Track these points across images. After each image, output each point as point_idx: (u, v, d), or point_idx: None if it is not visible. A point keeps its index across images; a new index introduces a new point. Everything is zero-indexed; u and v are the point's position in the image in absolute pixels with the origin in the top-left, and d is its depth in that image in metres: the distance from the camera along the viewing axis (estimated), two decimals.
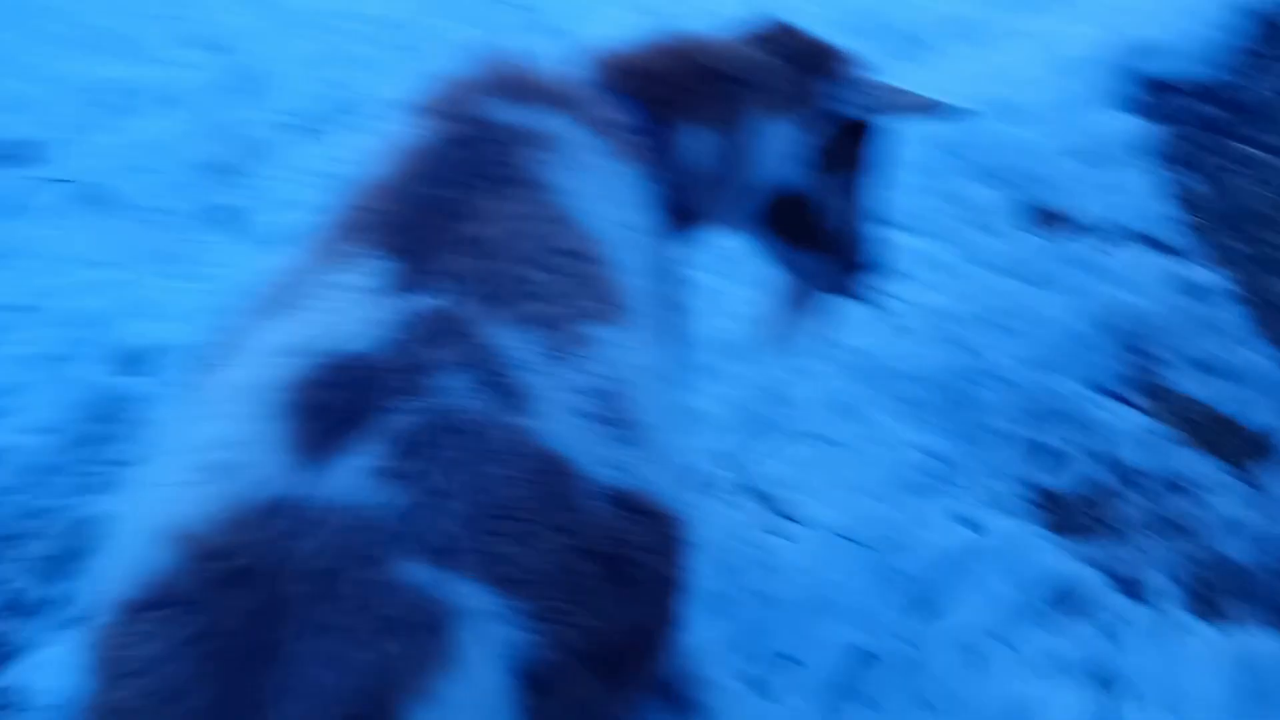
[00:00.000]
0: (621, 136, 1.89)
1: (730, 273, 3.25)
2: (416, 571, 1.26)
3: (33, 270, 3.28)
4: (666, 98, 2.03)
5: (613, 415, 1.48)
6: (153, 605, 1.22)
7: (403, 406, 1.34)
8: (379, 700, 1.21)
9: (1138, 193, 3.49)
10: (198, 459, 1.31)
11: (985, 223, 3.41)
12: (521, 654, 1.31)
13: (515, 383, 1.42)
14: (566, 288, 1.56)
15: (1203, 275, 3.28)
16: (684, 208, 2.10)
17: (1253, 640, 2.52)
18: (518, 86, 1.82)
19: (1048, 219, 3.46)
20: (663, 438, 1.57)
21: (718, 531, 2.61)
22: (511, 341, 1.46)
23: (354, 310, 1.43)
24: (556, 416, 1.43)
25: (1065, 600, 2.60)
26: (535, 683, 1.32)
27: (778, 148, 2.11)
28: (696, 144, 2.07)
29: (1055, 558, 2.64)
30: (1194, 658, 2.49)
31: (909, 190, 3.41)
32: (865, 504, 2.69)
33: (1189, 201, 3.50)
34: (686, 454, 1.69)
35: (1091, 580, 2.62)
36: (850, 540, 2.62)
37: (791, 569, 2.57)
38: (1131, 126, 3.67)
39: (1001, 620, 2.55)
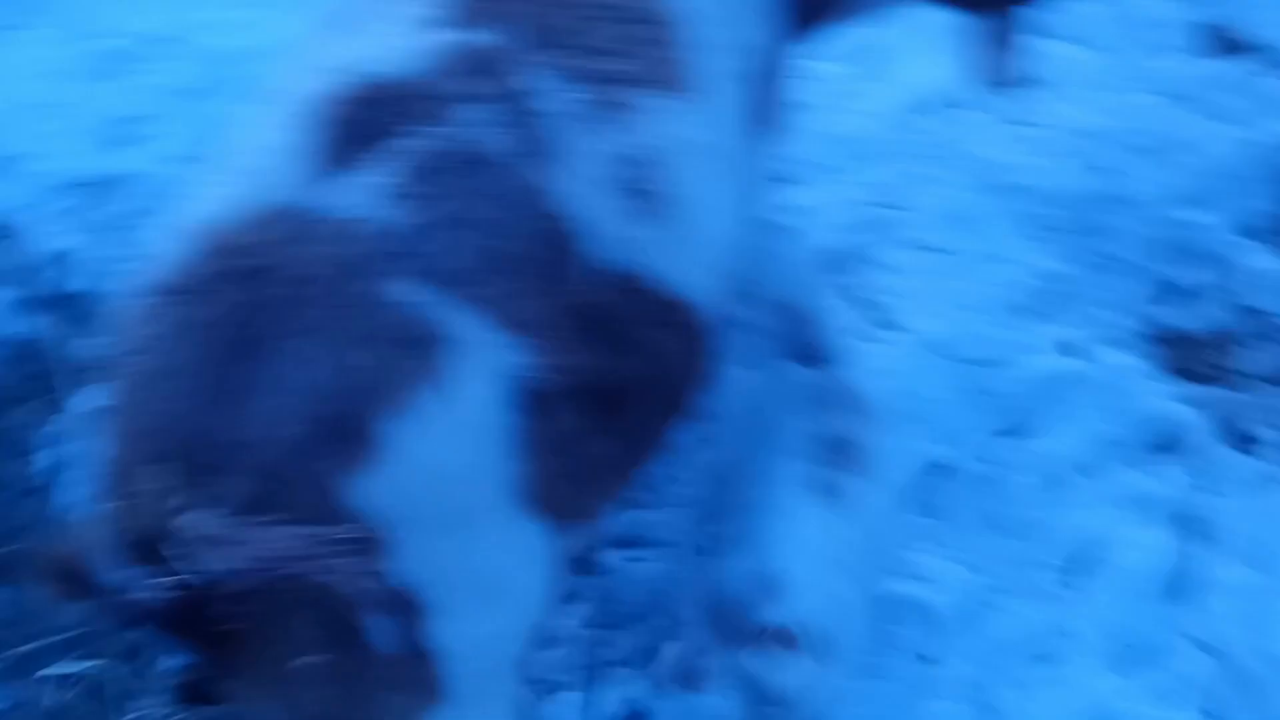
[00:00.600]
0: None
1: (864, 68, 3.13)
2: (408, 290, 1.32)
3: (180, 4, 3.36)
4: None
5: (633, 187, 1.51)
6: (164, 290, 1.31)
7: (424, 132, 1.39)
8: (353, 405, 1.28)
9: None
10: (230, 161, 1.41)
11: (1154, 39, 3.18)
12: (507, 380, 1.37)
13: (544, 132, 1.45)
14: (624, 48, 1.56)
15: None
16: None
17: None
18: None
19: (1227, 45, 3.20)
20: (702, 221, 1.59)
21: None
22: (549, 90, 1.48)
23: (396, 37, 1.47)
24: (572, 180, 1.46)
25: (1163, 442, 2.53)
26: (523, 406, 1.39)
27: None
28: None
29: (1162, 398, 2.56)
30: None
31: None
32: (968, 319, 2.64)
33: None
34: (734, 241, 1.68)
35: (1197, 425, 2.53)
36: (937, 350, 2.58)
37: (879, 372, 2.55)
38: None
39: (1091, 453, 2.51)
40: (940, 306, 2.65)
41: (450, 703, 1.52)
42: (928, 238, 2.81)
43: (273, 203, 1.36)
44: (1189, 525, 2.42)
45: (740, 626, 2.02)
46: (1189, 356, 2.68)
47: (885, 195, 2.89)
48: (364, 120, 1.41)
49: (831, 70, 3.09)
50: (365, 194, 1.36)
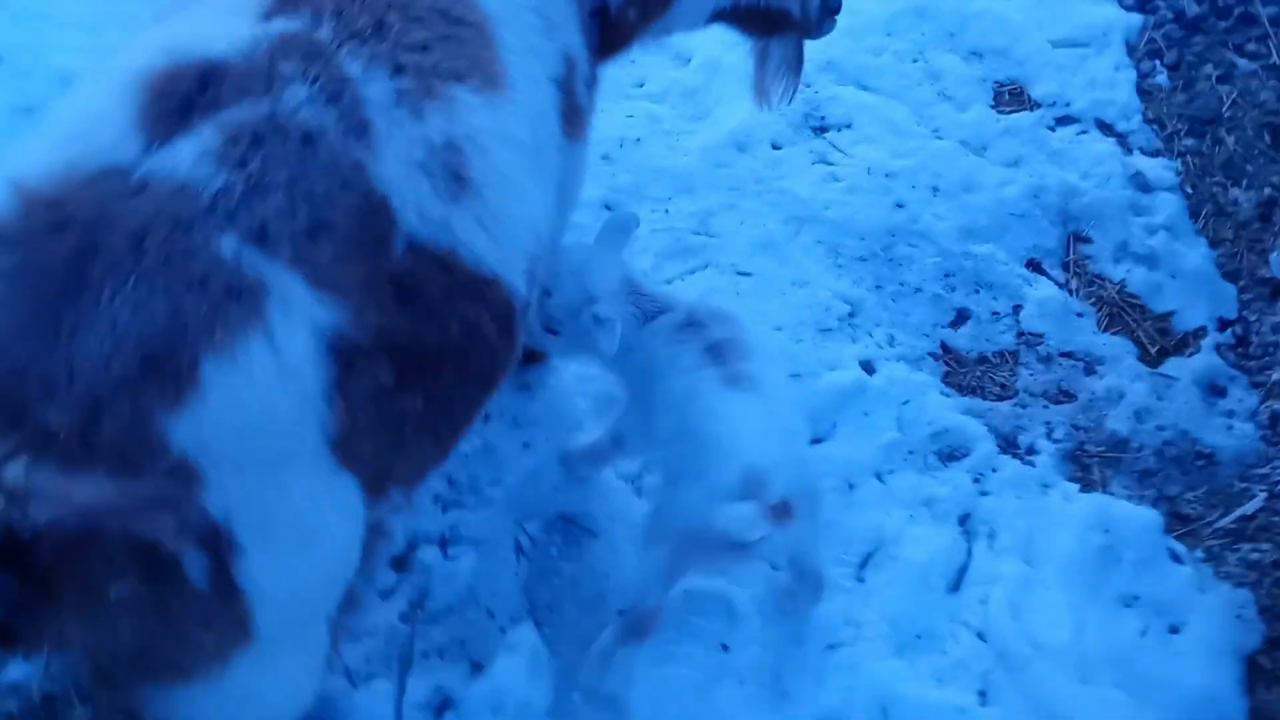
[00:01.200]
0: None
1: (689, 109, 3.33)
2: (234, 246, 1.42)
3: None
4: None
5: (449, 170, 1.62)
6: None
7: (245, 103, 1.49)
8: (175, 347, 1.37)
9: (1103, 81, 3.52)
10: (57, 124, 1.49)
11: (945, 90, 3.46)
12: (326, 335, 1.48)
13: (363, 116, 1.56)
14: (443, 45, 1.68)
15: (1149, 167, 3.33)
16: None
17: (1111, 505, 2.67)
18: None
19: (1011, 96, 3.51)
20: (511, 206, 1.71)
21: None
22: (369, 77, 1.60)
23: (225, 25, 1.58)
24: (390, 159, 1.57)
25: (950, 451, 2.75)
26: (339, 360, 1.50)
27: None
28: None
29: (941, 407, 2.79)
30: (1053, 513, 2.65)
31: (875, 49, 3.48)
32: (772, 336, 2.82)
33: (1151, 95, 3.54)
34: (541, 228, 1.82)
35: (972, 431, 2.76)
36: None
37: None
38: (1111, 16, 3.68)
39: (885, 460, 2.70)
40: (754, 327, 2.81)
41: (260, 645, 1.58)
42: (742, 263, 2.99)
43: (95, 162, 1.44)
44: (971, 525, 2.63)
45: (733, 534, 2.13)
46: (976, 375, 2.91)
47: (704, 224, 3.06)
48: (190, 92, 1.50)
49: (659, 110, 3.29)
50: (195, 159, 1.45)
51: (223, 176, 1.45)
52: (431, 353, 1.65)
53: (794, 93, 2.55)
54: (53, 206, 1.40)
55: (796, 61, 2.50)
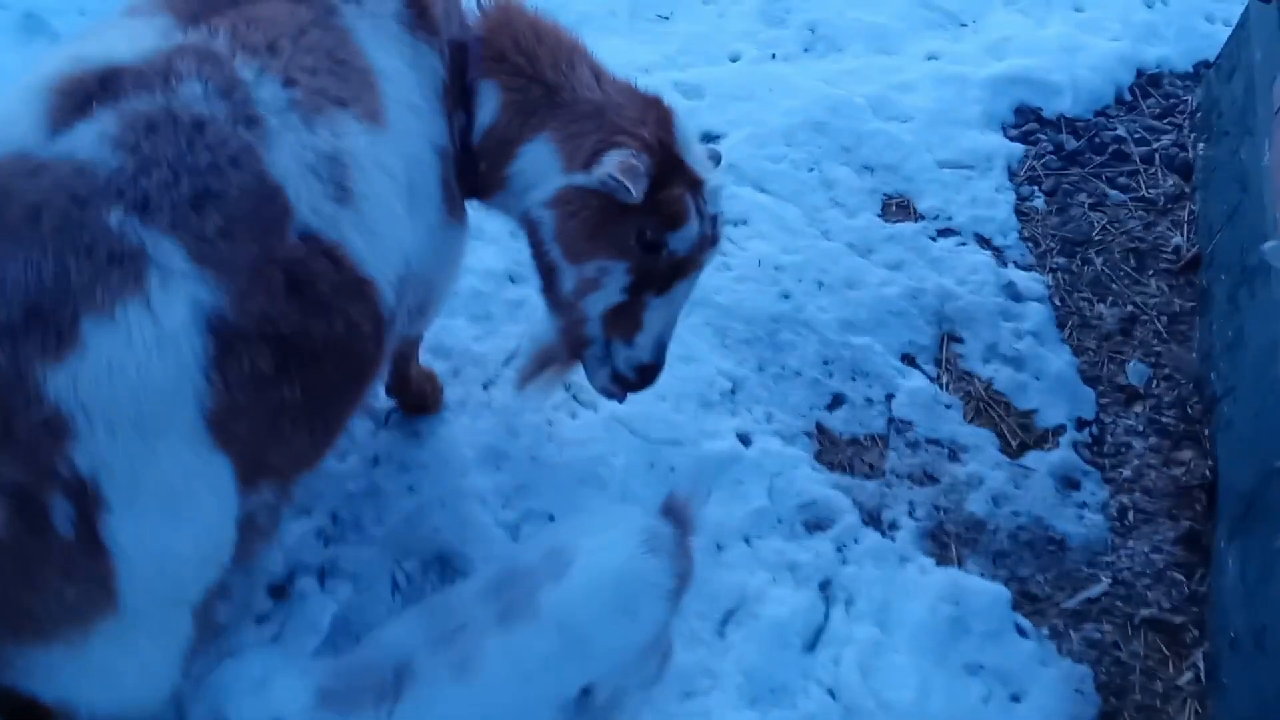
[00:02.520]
0: (432, 30, 2.13)
1: None
2: (123, 219, 1.57)
3: None
4: (504, 60, 2.18)
5: (335, 179, 1.79)
6: None
7: (143, 96, 1.67)
8: (58, 304, 1.51)
9: (984, 200, 3.79)
10: None
11: (836, 198, 3.71)
12: (206, 312, 1.61)
13: (254, 112, 1.74)
14: (330, 76, 1.87)
15: (1022, 279, 3.59)
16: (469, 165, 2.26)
17: (964, 579, 2.83)
18: None
19: (896, 207, 3.77)
20: (383, 223, 1.87)
21: (510, 397, 2.90)
22: (261, 82, 1.77)
23: (130, 39, 1.77)
24: (283, 153, 1.74)
25: (817, 521, 2.90)
26: (219, 339, 1.63)
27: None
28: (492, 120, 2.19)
29: (811, 481, 2.95)
30: (908, 583, 2.80)
31: (774, 157, 3.74)
32: (656, 405, 2.98)
33: (1028, 216, 3.82)
34: (411, 258, 1.99)
35: (838, 504, 2.92)
36: (630, 429, 2.91)
37: (569, 441, 2.86)
38: (995, 144, 3.98)
39: (753, 525, 2.85)
40: (638, 396, 2.97)
41: (122, 616, 1.67)
42: None
43: (12, 151, 1.60)
44: (831, 591, 2.77)
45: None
46: (847, 455, 3.08)
47: None
48: (92, 87, 1.66)
49: None
50: (93, 143, 1.61)
51: (118, 158, 1.61)
52: (313, 346, 1.78)
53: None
54: None
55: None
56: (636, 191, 2.09)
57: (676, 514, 2.27)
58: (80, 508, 1.56)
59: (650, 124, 2.20)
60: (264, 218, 1.70)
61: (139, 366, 1.56)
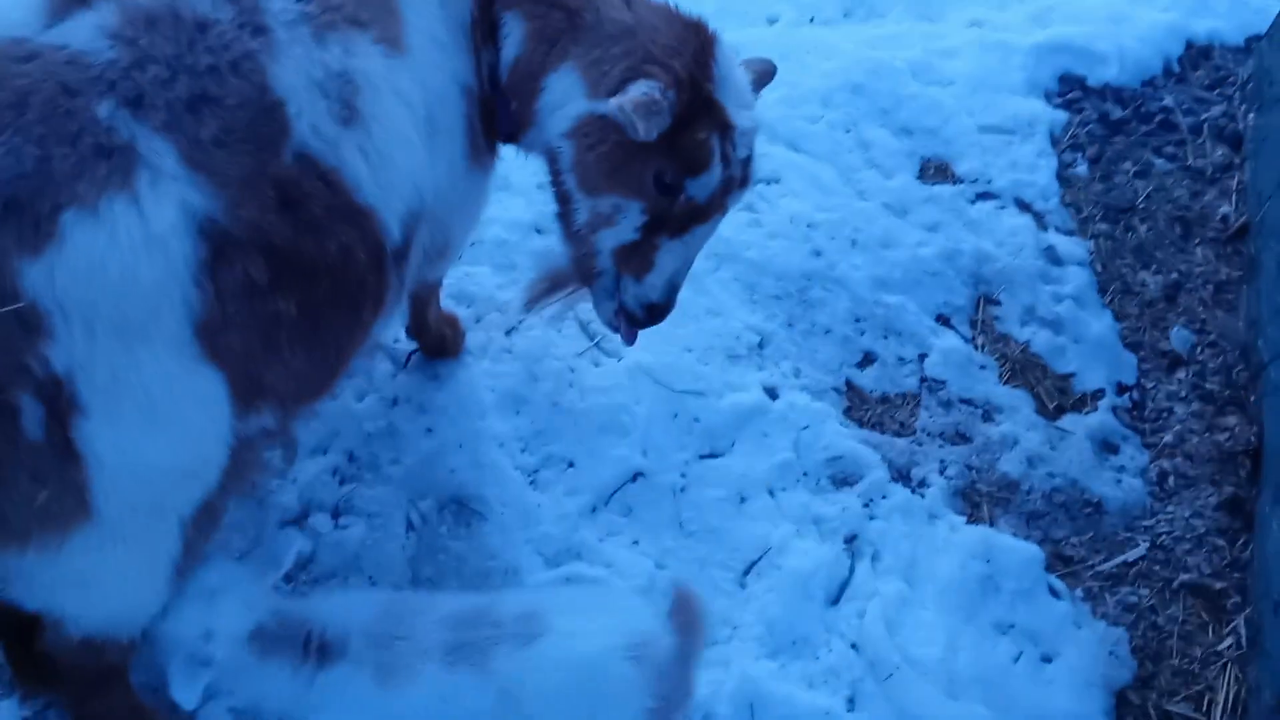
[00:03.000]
0: None
1: None
2: (114, 112, 1.52)
3: None
4: None
5: (343, 97, 1.73)
6: None
7: None
8: (38, 194, 1.46)
9: (1025, 165, 3.69)
10: None
11: (873, 159, 3.63)
12: (197, 217, 1.55)
13: (262, 20, 1.68)
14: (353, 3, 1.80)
15: (1063, 243, 3.49)
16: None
17: (995, 538, 2.74)
18: None
19: (934, 169, 3.67)
20: (393, 151, 1.81)
21: (532, 344, 2.85)
22: None
23: None
24: (288, 66, 1.67)
25: (844, 477, 2.83)
26: (211, 244, 1.57)
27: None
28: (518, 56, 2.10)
29: (839, 436, 2.87)
30: (937, 540, 2.73)
31: (810, 117, 3.66)
32: (681, 356, 2.92)
33: (1070, 182, 3.71)
34: (423, 188, 1.93)
35: (867, 460, 2.84)
36: (654, 379, 2.84)
37: (591, 388, 2.81)
38: (1038, 110, 3.88)
39: (778, 478, 2.78)
40: (664, 346, 2.92)
41: (99, 524, 1.62)
42: None
43: (7, 36, 1.55)
44: (856, 545, 2.69)
45: None
46: (877, 412, 3.01)
47: None
48: None
49: None
50: (89, 35, 1.56)
51: (114, 50, 1.56)
52: (307, 264, 1.72)
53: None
54: None
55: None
56: (645, 131, 1.97)
57: (686, 621, 2.11)
58: (52, 409, 1.50)
59: (686, 54, 2.08)
60: (260, 132, 1.64)
61: (122, 266, 1.50)
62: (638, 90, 1.99)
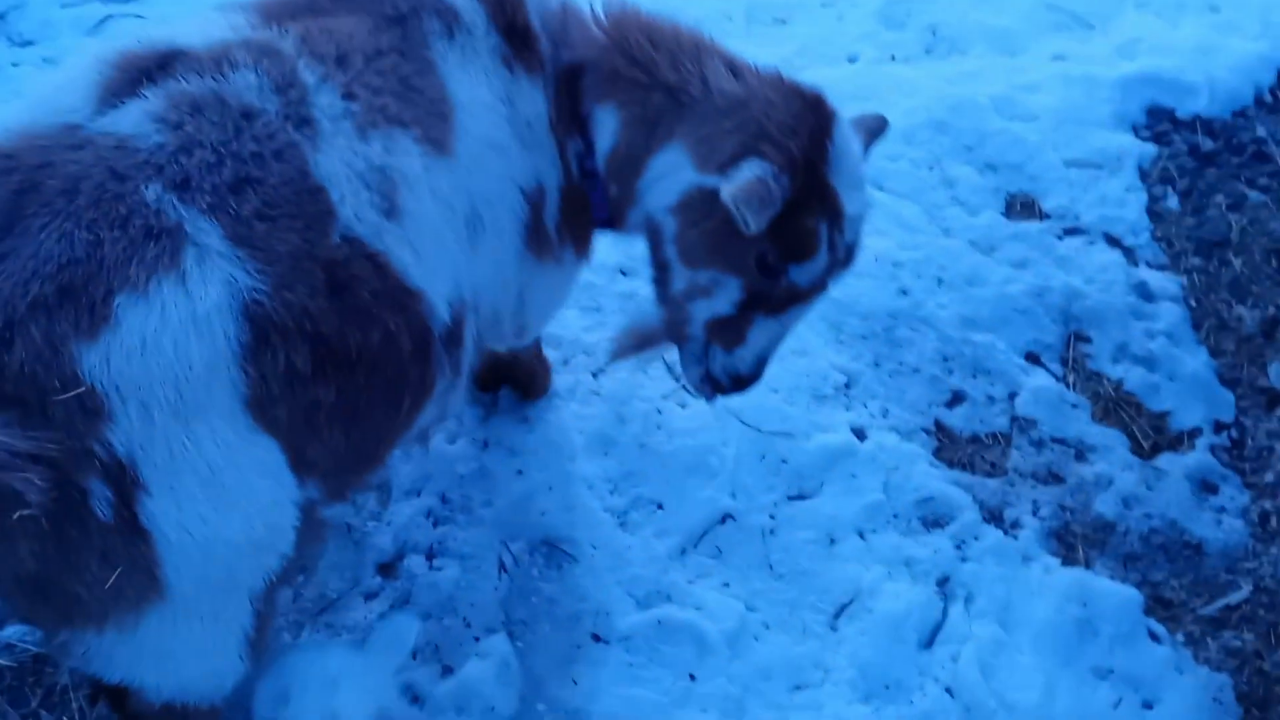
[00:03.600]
0: (534, 61, 2.07)
1: None
2: (163, 196, 1.56)
3: None
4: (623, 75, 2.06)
5: (383, 190, 1.76)
6: None
7: (193, 79, 1.67)
8: (92, 278, 1.49)
9: (1114, 200, 3.65)
10: (35, 91, 1.69)
11: (957, 195, 3.61)
12: (243, 296, 1.58)
13: (308, 113, 1.72)
14: (395, 98, 1.84)
15: (1155, 278, 3.43)
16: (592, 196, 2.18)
17: (1092, 581, 2.69)
18: None
19: (1020, 205, 3.64)
20: (429, 247, 1.83)
21: (619, 385, 2.87)
22: (321, 88, 1.76)
23: (206, 29, 1.79)
24: (331, 156, 1.71)
25: (935, 518, 2.80)
26: (252, 325, 1.59)
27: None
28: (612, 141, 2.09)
29: (929, 477, 2.85)
30: (1032, 583, 2.68)
31: (892, 155, 3.66)
32: (768, 397, 2.91)
33: (1161, 216, 3.66)
34: (463, 283, 1.93)
35: (958, 501, 2.81)
36: (741, 420, 2.85)
37: (678, 430, 2.82)
38: (1126, 144, 3.83)
39: (868, 520, 2.76)
40: None
41: (171, 601, 1.64)
42: None
43: (61, 122, 1.60)
44: (949, 588, 2.66)
45: None
46: (967, 452, 2.98)
47: None
48: (149, 67, 1.67)
49: None
50: (137, 120, 1.61)
51: (160, 134, 1.60)
52: (350, 353, 1.72)
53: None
54: (4, 157, 1.56)
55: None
56: (756, 225, 1.89)
57: None
58: (119, 491, 1.52)
59: (803, 134, 1.97)
60: (306, 211, 1.66)
61: (175, 344, 1.52)
62: (750, 171, 1.91)
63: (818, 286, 2.12)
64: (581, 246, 2.29)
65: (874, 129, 2.32)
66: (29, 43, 3.68)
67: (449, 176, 1.89)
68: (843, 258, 2.10)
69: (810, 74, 3.92)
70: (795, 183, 1.94)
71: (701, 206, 2.02)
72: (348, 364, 1.72)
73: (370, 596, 2.47)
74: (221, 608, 1.77)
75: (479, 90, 1.99)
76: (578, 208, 2.19)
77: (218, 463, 1.60)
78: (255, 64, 1.72)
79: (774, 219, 1.92)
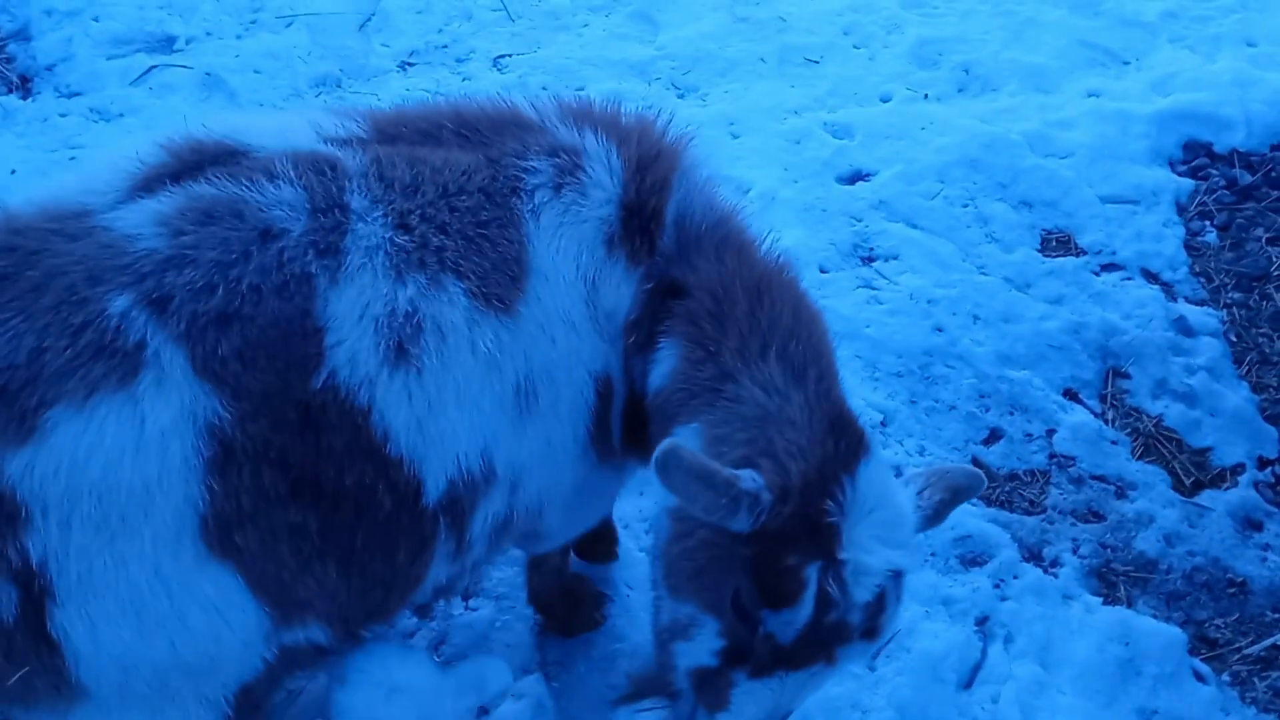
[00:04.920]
0: (642, 254, 1.87)
1: None
2: (122, 304, 1.49)
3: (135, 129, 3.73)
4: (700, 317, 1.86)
5: (398, 336, 1.63)
6: None
7: (220, 183, 1.59)
8: (27, 385, 1.45)
9: (1151, 235, 3.63)
10: (90, 162, 1.64)
11: (992, 233, 3.61)
12: (205, 418, 1.51)
13: (338, 241, 1.61)
14: (462, 242, 1.71)
15: (1194, 314, 3.40)
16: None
17: (1134, 620, 2.65)
18: (592, 121, 1.88)
19: (1055, 242, 3.64)
20: (449, 404, 1.68)
21: None
22: (368, 215, 1.64)
23: (286, 130, 1.71)
24: (346, 293, 1.60)
25: (974, 557, 2.78)
26: (219, 444, 1.52)
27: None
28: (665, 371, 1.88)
29: (967, 515, 2.82)
30: (1072, 622, 2.65)
31: (927, 194, 3.66)
32: None
33: (1199, 251, 3.64)
34: (488, 454, 1.77)
35: (996, 539, 2.79)
36: None
37: None
38: (1162, 179, 3.82)
39: None
40: None
41: (96, 701, 1.60)
42: None
43: (77, 206, 1.56)
44: (988, 627, 2.63)
45: None
46: (1005, 490, 2.95)
47: None
48: (190, 164, 1.61)
49: None
50: (141, 219, 1.55)
51: (155, 241, 1.53)
52: (326, 488, 1.63)
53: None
54: (15, 233, 1.54)
55: None
56: (705, 514, 1.63)
57: None
58: (26, 595, 1.50)
59: (813, 459, 1.70)
60: (293, 354, 1.57)
61: (106, 465, 1.48)
62: (737, 474, 1.65)
63: (810, 651, 1.72)
64: (637, 462, 2.06)
65: (958, 486, 1.91)
66: (76, 94, 3.78)
67: (503, 336, 1.73)
68: (854, 622, 1.71)
69: (843, 114, 4.00)
70: (782, 508, 1.66)
71: (690, 516, 1.74)
72: (328, 496, 1.63)
73: (407, 636, 2.48)
74: (163, 710, 1.69)
75: (562, 263, 1.81)
76: (640, 421, 1.96)
77: (141, 586, 1.54)
78: (299, 178, 1.62)
79: (757, 551, 1.67)
